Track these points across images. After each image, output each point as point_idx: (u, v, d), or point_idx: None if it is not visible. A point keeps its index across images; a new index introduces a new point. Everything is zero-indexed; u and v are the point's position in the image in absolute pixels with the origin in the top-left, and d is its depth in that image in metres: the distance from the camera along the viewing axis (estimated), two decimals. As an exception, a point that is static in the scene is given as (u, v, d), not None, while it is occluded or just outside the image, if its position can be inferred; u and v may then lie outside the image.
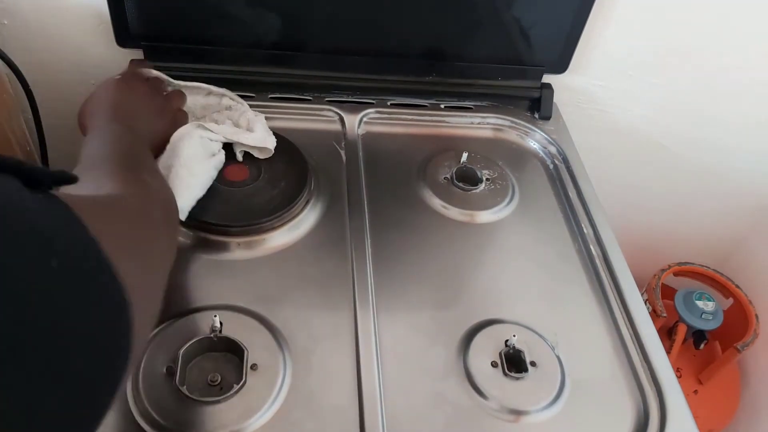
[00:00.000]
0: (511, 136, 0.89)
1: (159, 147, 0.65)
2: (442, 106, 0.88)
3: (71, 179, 0.31)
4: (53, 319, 0.24)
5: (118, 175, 0.46)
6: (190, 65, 0.81)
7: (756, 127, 1.03)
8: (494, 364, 0.60)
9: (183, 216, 0.62)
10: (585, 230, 0.75)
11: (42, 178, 0.28)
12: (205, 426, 0.51)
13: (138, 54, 0.80)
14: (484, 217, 0.75)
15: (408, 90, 0.87)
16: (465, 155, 0.80)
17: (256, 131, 0.73)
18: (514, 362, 0.60)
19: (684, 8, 0.88)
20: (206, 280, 0.62)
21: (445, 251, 0.71)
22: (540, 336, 0.63)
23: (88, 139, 0.55)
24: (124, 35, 0.78)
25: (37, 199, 0.27)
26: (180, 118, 0.69)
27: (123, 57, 0.80)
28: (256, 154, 0.73)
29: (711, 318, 1.10)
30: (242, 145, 0.72)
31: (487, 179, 0.79)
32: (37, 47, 0.83)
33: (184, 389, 0.52)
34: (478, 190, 0.78)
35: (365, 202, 0.74)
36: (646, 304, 0.69)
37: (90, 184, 0.42)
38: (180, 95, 0.71)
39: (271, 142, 0.73)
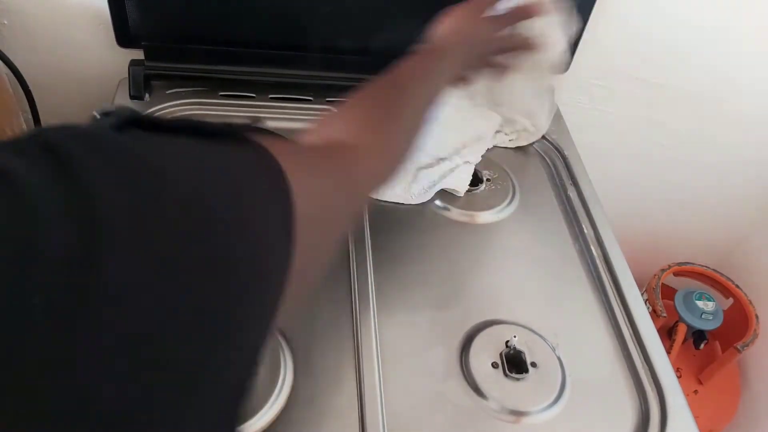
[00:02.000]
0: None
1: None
2: (443, 106, 0.88)
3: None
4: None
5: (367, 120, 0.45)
6: (190, 65, 0.81)
7: (756, 126, 1.03)
8: (495, 365, 0.60)
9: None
10: (585, 230, 0.75)
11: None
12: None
13: (138, 54, 0.80)
14: (485, 217, 0.75)
15: (408, 90, 0.87)
16: (465, 155, 0.80)
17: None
18: (514, 363, 0.60)
19: (684, 8, 0.88)
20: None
21: (446, 251, 0.71)
22: (540, 337, 0.63)
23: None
24: (124, 35, 0.78)
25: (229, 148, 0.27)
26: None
27: (123, 57, 0.80)
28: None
29: (711, 318, 1.10)
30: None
31: (488, 179, 0.79)
32: (37, 47, 0.83)
33: (184, 390, 0.51)
34: (478, 191, 0.78)
35: (365, 203, 0.74)
36: (646, 304, 0.69)
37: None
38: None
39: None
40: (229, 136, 0.28)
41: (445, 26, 0.60)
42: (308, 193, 0.30)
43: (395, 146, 0.47)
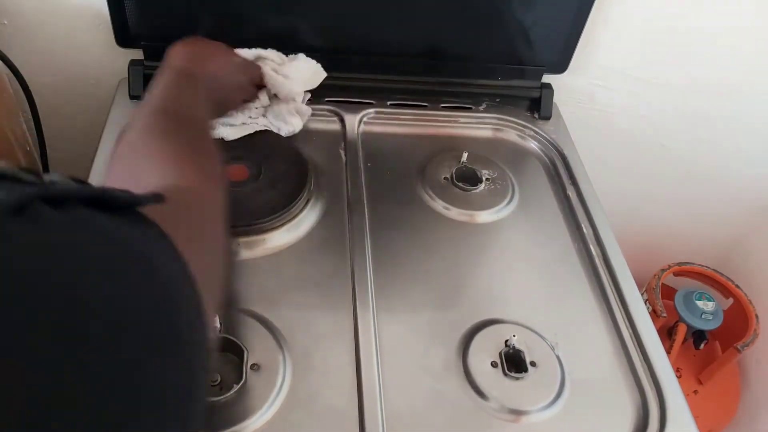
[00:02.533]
0: (511, 136, 0.89)
1: (222, 106, 0.71)
2: (442, 106, 0.88)
3: (160, 199, 0.31)
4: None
5: (181, 155, 0.45)
6: (190, 65, 0.81)
7: (756, 126, 1.03)
8: (494, 364, 0.60)
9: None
10: (585, 230, 0.75)
11: (129, 201, 0.29)
12: (205, 426, 0.51)
13: (138, 54, 0.80)
14: (484, 217, 0.75)
15: (408, 90, 0.87)
16: (465, 155, 0.80)
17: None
18: (514, 362, 0.60)
19: (684, 8, 0.88)
20: (206, 280, 0.62)
21: (446, 251, 0.71)
22: (540, 336, 0.63)
23: (159, 80, 0.56)
24: (123, 35, 0.78)
25: (131, 224, 0.28)
26: (251, 91, 0.75)
27: (123, 57, 0.80)
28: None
29: (711, 318, 1.10)
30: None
31: (487, 179, 0.79)
32: (37, 47, 0.83)
33: (183, 389, 0.51)
34: (478, 190, 0.78)
35: (365, 202, 0.74)
36: (646, 304, 0.69)
37: (147, 168, 0.43)
38: (257, 68, 0.74)
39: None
40: (128, 211, 0.28)
41: (186, 51, 0.62)
42: (199, 266, 0.32)
43: (218, 177, 0.47)
